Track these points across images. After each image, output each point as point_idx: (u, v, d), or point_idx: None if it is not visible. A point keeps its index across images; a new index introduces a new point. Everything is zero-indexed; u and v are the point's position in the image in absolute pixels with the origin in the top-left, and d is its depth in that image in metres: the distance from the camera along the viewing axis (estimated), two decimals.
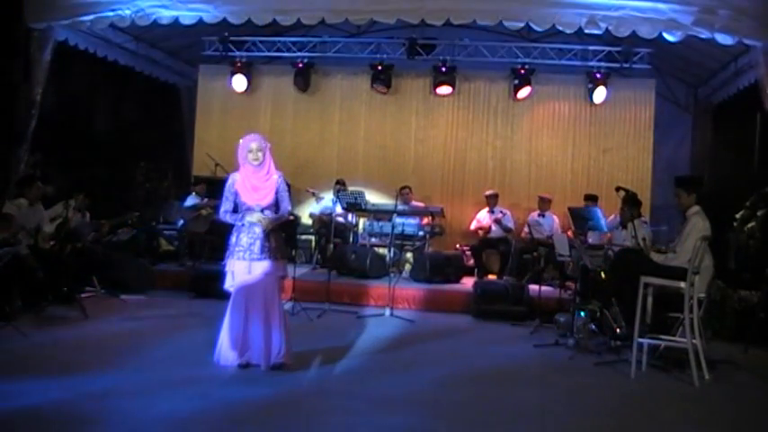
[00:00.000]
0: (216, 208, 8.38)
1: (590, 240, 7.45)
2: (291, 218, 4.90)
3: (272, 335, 4.64)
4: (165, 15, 7.41)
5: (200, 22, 7.48)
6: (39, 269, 6.35)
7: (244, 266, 4.64)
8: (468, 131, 10.33)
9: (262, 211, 4.65)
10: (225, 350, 4.71)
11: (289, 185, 4.90)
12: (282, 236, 4.84)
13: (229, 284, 4.72)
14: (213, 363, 4.74)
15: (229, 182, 4.75)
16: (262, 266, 4.64)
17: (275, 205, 4.71)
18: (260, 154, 4.65)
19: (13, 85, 7.68)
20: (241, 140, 4.74)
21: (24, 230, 6.47)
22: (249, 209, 4.67)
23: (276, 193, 4.69)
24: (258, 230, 4.64)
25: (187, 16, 7.43)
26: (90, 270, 7.21)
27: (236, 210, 4.73)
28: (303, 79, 10.17)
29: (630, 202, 6.58)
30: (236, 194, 4.71)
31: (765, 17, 6.50)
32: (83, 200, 7.33)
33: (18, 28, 7.56)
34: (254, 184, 4.68)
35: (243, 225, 4.67)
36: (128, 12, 7.42)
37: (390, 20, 7.46)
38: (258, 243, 4.63)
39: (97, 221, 7.44)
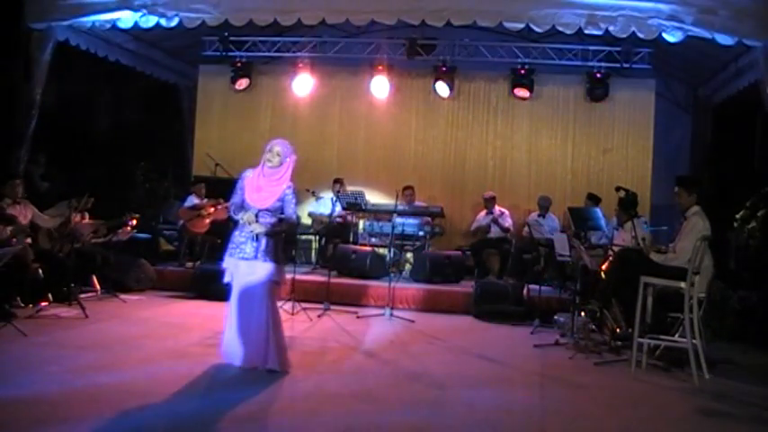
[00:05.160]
0: (217, 208, 8.48)
1: (591, 240, 7.46)
2: (289, 225, 4.76)
3: (261, 337, 4.61)
4: (168, 16, 7.41)
5: (203, 24, 7.48)
6: (38, 269, 6.35)
7: (233, 264, 4.66)
8: (467, 131, 10.33)
9: (257, 212, 4.62)
10: (225, 347, 4.75)
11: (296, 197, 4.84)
12: (279, 239, 4.74)
13: (227, 279, 4.74)
14: (212, 363, 4.75)
15: (242, 175, 4.78)
16: (249, 266, 4.61)
17: (277, 212, 4.67)
18: (276, 159, 4.65)
19: (13, 85, 7.67)
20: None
21: (23, 231, 6.48)
22: (249, 207, 4.68)
23: (279, 200, 4.66)
24: (249, 230, 4.62)
25: (189, 18, 7.43)
26: (90, 270, 7.21)
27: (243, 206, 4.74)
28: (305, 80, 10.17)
29: (626, 205, 6.56)
30: (243, 190, 4.72)
31: (765, 17, 6.50)
32: (86, 203, 7.33)
33: (18, 28, 7.56)
34: (259, 184, 4.68)
35: (239, 222, 4.68)
36: (130, 14, 7.42)
37: (391, 20, 7.46)
38: (249, 242, 4.62)
39: (96, 222, 7.42)
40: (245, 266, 4.62)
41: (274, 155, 4.66)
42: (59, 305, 6.51)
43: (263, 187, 4.67)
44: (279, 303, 5.08)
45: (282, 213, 4.71)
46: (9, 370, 4.45)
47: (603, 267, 6.08)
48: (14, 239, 6.27)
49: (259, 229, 4.60)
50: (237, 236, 4.68)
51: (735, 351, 6.00)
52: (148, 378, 4.41)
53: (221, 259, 4.83)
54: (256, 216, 4.62)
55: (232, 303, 4.70)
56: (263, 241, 4.62)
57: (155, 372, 4.58)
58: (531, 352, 5.87)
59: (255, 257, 4.61)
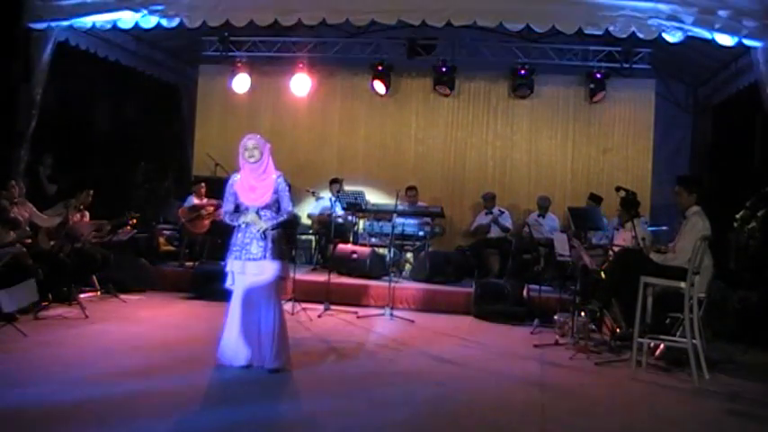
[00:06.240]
0: (217, 208, 8.48)
1: (592, 240, 7.46)
2: (291, 218, 4.81)
3: (267, 337, 4.62)
4: (169, 16, 7.41)
5: (203, 24, 7.49)
6: (38, 269, 6.35)
7: (239, 266, 4.65)
8: (468, 131, 10.33)
9: (258, 211, 4.63)
10: (224, 349, 4.73)
11: (289, 186, 4.88)
12: (283, 236, 4.80)
13: (229, 284, 4.72)
14: (212, 363, 4.74)
15: (229, 182, 4.78)
16: (257, 266, 4.61)
17: (275, 205, 4.71)
18: (256, 152, 4.63)
19: (13, 85, 7.67)
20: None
21: (26, 236, 6.49)
22: (247, 209, 4.67)
23: (275, 192, 4.67)
24: (255, 230, 4.63)
25: (190, 18, 7.43)
26: (90, 270, 7.21)
27: (238, 210, 4.74)
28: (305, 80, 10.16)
29: (627, 204, 6.57)
30: (235, 195, 4.72)
31: (765, 17, 6.50)
32: (86, 197, 7.33)
33: (18, 28, 7.55)
34: (251, 183, 4.68)
35: (240, 225, 4.68)
36: (130, 14, 7.42)
37: (391, 21, 7.46)
38: (255, 243, 4.62)
39: (97, 221, 7.43)
40: (253, 267, 4.62)
41: (253, 149, 4.63)
42: (59, 305, 6.51)
43: (256, 185, 4.67)
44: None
45: (279, 208, 4.71)
46: (9, 371, 4.45)
47: (603, 267, 6.08)
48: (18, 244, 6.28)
49: (264, 225, 4.60)
50: (241, 237, 4.67)
51: (735, 351, 6.00)
52: (148, 379, 4.41)
53: (221, 259, 4.82)
54: (258, 214, 4.62)
55: (235, 304, 4.69)
56: (269, 238, 4.62)
57: (154, 373, 4.58)
58: (531, 352, 5.87)
59: (264, 257, 4.61)
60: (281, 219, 4.69)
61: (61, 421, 3.56)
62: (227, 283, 4.73)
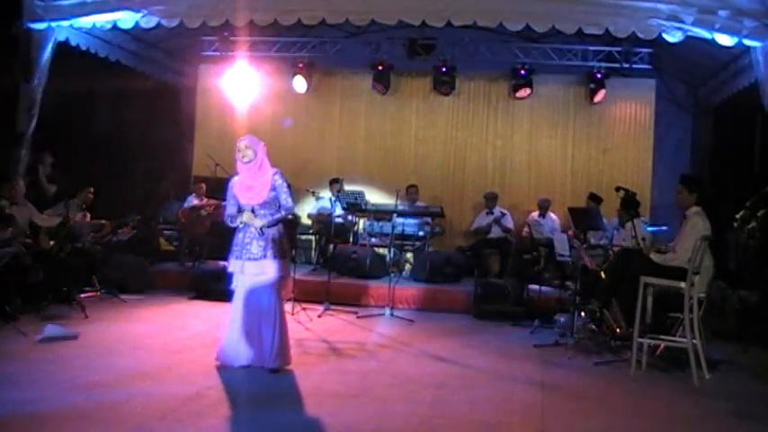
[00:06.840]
0: (216, 208, 8.48)
1: (591, 240, 7.45)
2: (291, 216, 4.82)
3: (267, 336, 4.63)
4: (169, 16, 7.41)
5: (203, 24, 7.50)
6: (38, 269, 6.35)
7: (239, 266, 4.67)
8: (468, 131, 10.34)
9: (253, 209, 4.65)
10: (225, 349, 4.73)
11: (288, 184, 4.88)
12: (284, 234, 4.80)
13: (234, 285, 4.75)
14: (213, 363, 4.75)
15: (229, 185, 4.80)
16: (257, 266, 4.63)
17: (275, 203, 4.71)
18: (249, 151, 4.65)
19: (13, 85, 7.67)
20: None
21: (23, 233, 6.48)
22: (245, 208, 4.69)
23: (272, 189, 4.68)
24: (254, 230, 4.64)
25: (190, 18, 7.44)
26: (90, 270, 7.21)
27: (240, 211, 4.75)
28: (305, 80, 10.16)
29: (628, 204, 6.56)
30: (235, 197, 4.74)
31: (765, 17, 6.50)
32: (86, 196, 7.32)
33: (18, 28, 7.55)
34: (248, 183, 4.70)
35: (239, 225, 4.70)
36: (130, 14, 7.42)
37: (391, 21, 7.46)
38: (255, 242, 4.64)
39: (98, 221, 7.44)
40: (253, 267, 4.63)
41: (246, 149, 4.66)
42: (59, 305, 6.51)
43: (253, 184, 4.69)
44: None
45: (279, 206, 4.71)
46: (9, 372, 4.44)
47: (603, 267, 6.08)
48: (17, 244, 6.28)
49: (260, 223, 4.61)
50: (242, 238, 4.69)
51: (735, 351, 6.00)
52: (148, 379, 4.42)
53: (221, 259, 4.83)
54: (253, 212, 4.63)
55: (236, 304, 4.70)
56: (269, 237, 4.63)
57: (154, 373, 4.59)
58: (531, 352, 5.87)
59: (264, 257, 4.62)
60: (278, 216, 4.70)
61: (61, 424, 3.55)
62: (233, 284, 4.75)
